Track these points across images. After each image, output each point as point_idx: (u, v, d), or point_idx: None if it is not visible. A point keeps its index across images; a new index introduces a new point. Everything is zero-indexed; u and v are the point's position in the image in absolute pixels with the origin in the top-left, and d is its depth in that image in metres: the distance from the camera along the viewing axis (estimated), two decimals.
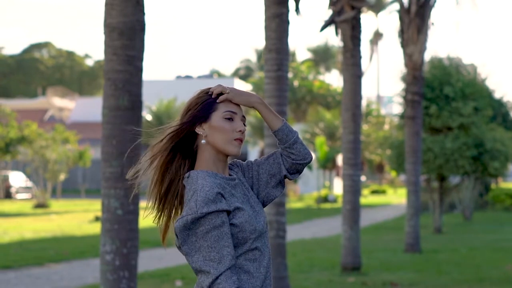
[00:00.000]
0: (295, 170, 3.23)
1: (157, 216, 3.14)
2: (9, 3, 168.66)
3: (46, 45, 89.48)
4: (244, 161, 3.29)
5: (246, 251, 3.01)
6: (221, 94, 3.10)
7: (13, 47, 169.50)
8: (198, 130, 3.07)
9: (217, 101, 3.09)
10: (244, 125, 3.12)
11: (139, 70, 7.58)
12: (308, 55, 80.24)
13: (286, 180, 3.31)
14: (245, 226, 2.99)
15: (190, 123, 3.06)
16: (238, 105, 3.12)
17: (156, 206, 3.13)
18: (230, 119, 3.07)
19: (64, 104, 66.31)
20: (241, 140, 3.08)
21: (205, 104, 3.08)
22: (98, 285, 7.78)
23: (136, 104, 7.53)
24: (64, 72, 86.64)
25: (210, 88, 3.12)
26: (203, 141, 3.07)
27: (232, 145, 3.07)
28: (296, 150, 3.19)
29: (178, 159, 3.11)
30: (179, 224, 2.94)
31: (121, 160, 7.42)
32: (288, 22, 10.69)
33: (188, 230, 2.93)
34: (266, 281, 3.05)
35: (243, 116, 3.12)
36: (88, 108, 59.07)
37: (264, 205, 3.21)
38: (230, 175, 3.15)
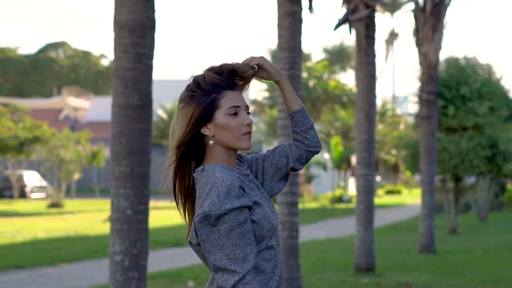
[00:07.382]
0: (304, 160, 3.14)
1: (182, 214, 3.04)
2: (25, 3, 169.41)
3: (62, 44, 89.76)
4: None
5: (262, 249, 2.88)
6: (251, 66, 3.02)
7: (29, 47, 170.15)
8: (204, 131, 2.93)
9: (251, 63, 3.00)
10: (249, 113, 2.97)
11: (149, 68, 7.48)
12: (324, 55, 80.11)
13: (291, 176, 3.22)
14: (263, 222, 2.87)
15: (194, 127, 2.93)
16: (240, 96, 2.97)
17: (180, 206, 3.03)
18: (235, 113, 2.93)
19: (79, 104, 66.60)
20: (249, 133, 2.94)
21: (206, 104, 2.93)
22: (108, 286, 7.71)
23: (146, 102, 7.43)
24: (79, 72, 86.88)
25: (225, 65, 3.00)
26: (211, 142, 2.93)
27: (242, 141, 2.93)
28: (311, 135, 3.12)
29: (188, 162, 3.00)
30: (200, 219, 2.80)
31: (130, 159, 7.33)
32: (301, 21, 10.60)
33: (211, 226, 2.79)
34: (280, 281, 2.95)
35: (247, 106, 2.97)
36: (103, 107, 59.16)
37: None
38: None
